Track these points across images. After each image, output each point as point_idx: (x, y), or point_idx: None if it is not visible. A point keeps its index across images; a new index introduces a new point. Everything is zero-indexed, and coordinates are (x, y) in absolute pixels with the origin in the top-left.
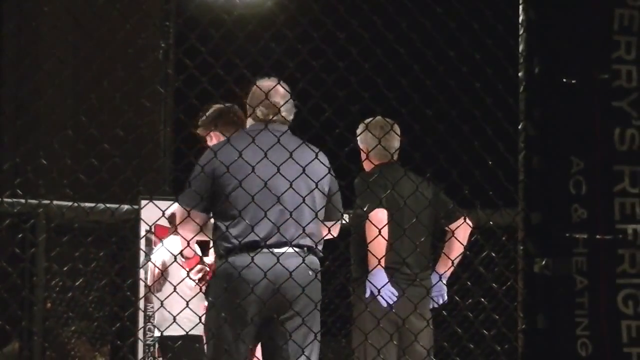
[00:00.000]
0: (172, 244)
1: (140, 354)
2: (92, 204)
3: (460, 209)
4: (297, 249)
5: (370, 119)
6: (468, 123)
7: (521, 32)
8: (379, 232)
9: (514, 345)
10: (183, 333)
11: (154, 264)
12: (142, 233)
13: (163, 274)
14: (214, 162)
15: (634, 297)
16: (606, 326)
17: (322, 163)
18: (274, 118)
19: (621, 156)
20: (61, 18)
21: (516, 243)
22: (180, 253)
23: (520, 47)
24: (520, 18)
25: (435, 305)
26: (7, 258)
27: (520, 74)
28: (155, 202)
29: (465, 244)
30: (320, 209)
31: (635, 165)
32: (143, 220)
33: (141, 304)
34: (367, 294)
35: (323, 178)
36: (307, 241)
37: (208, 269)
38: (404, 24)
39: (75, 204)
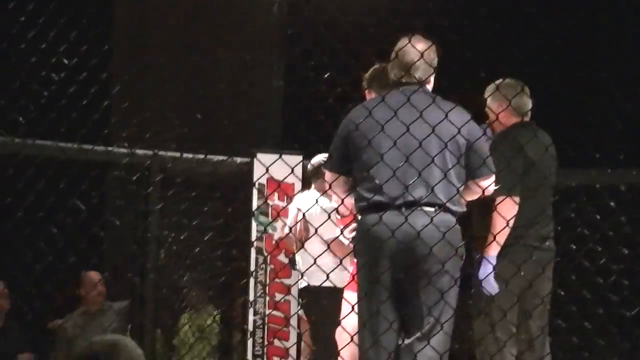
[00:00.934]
0: (311, 197)
1: (251, 313)
2: (202, 156)
3: None
4: (426, 208)
5: (500, 80)
6: (599, 86)
7: None
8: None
9: None
10: (329, 284)
11: (302, 214)
12: (256, 186)
13: (307, 225)
14: (349, 126)
15: None
16: None
17: (456, 119)
18: (407, 80)
19: None
20: None
21: None
22: (337, 210)
23: None
24: None
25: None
26: (118, 210)
27: None
28: (265, 156)
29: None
30: (453, 166)
31: None
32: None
33: (252, 257)
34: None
35: (456, 135)
36: (438, 200)
37: None
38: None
39: (186, 155)
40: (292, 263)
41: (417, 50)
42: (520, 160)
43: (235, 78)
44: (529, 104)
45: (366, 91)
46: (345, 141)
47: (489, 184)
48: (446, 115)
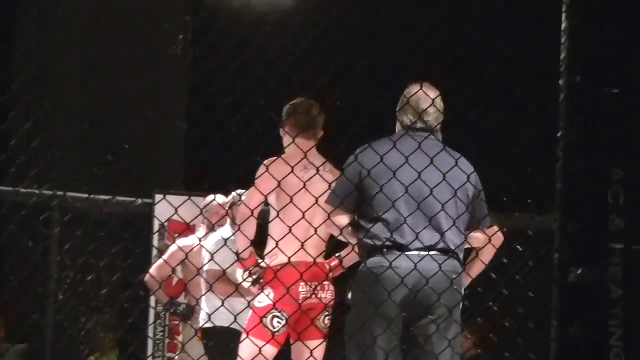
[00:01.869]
0: (210, 240)
1: (150, 350)
2: (107, 197)
3: None
4: (437, 254)
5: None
6: (509, 129)
7: (563, 40)
8: None
9: (547, 354)
10: (227, 325)
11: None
12: (155, 228)
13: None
14: (359, 167)
15: None
16: None
17: (465, 168)
18: (420, 125)
19: None
20: (79, 12)
21: (551, 250)
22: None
23: (562, 55)
24: (563, 25)
25: None
26: (20, 250)
27: (561, 82)
28: (169, 197)
29: None
30: (461, 214)
31: None
32: (156, 217)
33: (152, 301)
34: None
35: (465, 184)
36: (450, 246)
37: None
38: (448, 30)
39: (90, 196)
40: (173, 305)
41: (429, 97)
42: None
43: (143, 119)
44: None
45: (281, 129)
46: (354, 182)
47: (492, 233)
48: (456, 163)
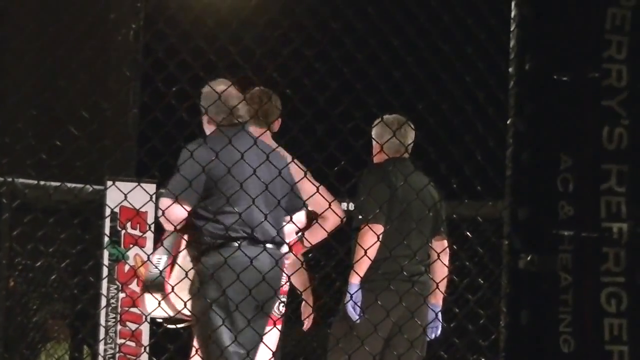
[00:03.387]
0: None
1: (102, 343)
2: (57, 183)
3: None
4: (273, 245)
5: (387, 115)
6: (458, 117)
7: (513, 27)
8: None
9: (497, 340)
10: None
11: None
12: (107, 214)
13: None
14: (205, 158)
15: (617, 295)
16: (589, 323)
17: (282, 161)
18: (240, 121)
19: (609, 155)
20: None
21: (501, 237)
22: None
23: (512, 43)
24: (513, 13)
25: (429, 339)
26: None
27: (510, 70)
28: (120, 184)
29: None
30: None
31: (622, 164)
32: (107, 205)
33: (103, 286)
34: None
35: (286, 176)
36: (277, 238)
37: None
38: (397, 16)
39: (40, 183)
40: None
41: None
42: (384, 191)
43: (94, 103)
44: (402, 141)
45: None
46: (199, 172)
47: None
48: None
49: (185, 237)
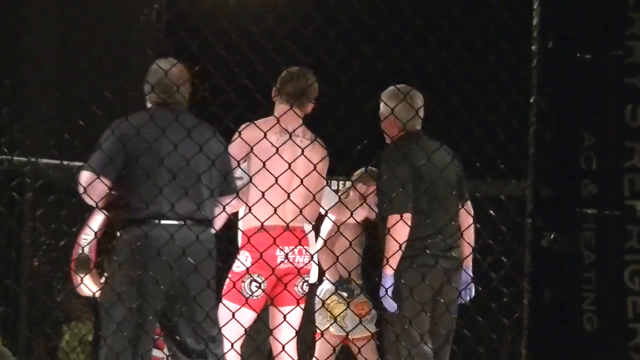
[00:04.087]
0: None
1: None
2: (80, 164)
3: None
4: (194, 223)
5: (393, 87)
6: (482, 95)
7: (535, 5)
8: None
9: (521, 318)
10: None
11: None
12: None
13: None
14: (126, 133)
15: None
16: (612, 301)
17: (219, 142)
18: (172, 100)
19: (632, 132)
20: None
21: (525, 216)
22: None
23: (535, 21)
24: None
25: (463, 301)
26: None
27: (533, 48)
28: None
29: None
30: (216, 187)
31: None
32: None
33: None
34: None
35: (220, 156)
36: (204, 216)
37: None
38: None
39: (64, 163)
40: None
41: (177, 72)
42: (407, 176)
43: (116, 84)
44: (413, 112)
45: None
46: (120, 148)
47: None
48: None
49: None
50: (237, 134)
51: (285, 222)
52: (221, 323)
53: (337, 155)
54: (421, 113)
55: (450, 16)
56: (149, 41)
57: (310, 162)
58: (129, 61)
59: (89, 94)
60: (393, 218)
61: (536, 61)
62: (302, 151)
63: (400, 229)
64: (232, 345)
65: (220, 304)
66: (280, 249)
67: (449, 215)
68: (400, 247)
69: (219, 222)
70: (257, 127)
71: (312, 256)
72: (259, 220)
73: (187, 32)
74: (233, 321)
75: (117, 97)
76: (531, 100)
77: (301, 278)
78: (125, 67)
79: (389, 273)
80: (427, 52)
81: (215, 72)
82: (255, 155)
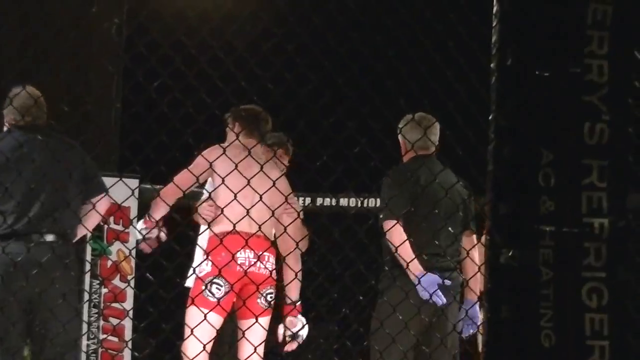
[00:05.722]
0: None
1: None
2: None
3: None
4: (48, 238)
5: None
6: (440, 112)
7: (495, 23)
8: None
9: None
10: None
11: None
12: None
13: None
14: None
15: (598, 290)
16: (570, 318)
17: (78, 152)
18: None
19: (590, 150)
20: None
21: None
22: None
23: (494, 38)
24: (495, 8)
25: (465, 335)
26: None
27: (492, 65)
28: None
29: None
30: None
31: (603, 160)
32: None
33: (86, 281)
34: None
35: (80, 165)
36: (59, 230)
37: None
38: (378, 9)
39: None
40: None
41: (30, 94)
42: (405, 187)
43: (76, 99)
44: (426, 138)
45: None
46: None
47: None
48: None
49: None
50: (200, 156)
51: (249, 230)
52: (188, 329)
53: (324, 172)
54: (433, 137)
55: (410, 32)
56: (109, 55)
57: (269, 177)
58: (89, 74)
59: (48, 106)
60: (387, 224)
61: (495, 78)
62: (262, 167)
63: (396, 234)
64: (204, 347)
65: (187, 310)
66: (244, 251)
67: (446, 236)
68: (396, 250)
69: (90, 221)
70: (220, 146)
71: (274, 267)
72: (232, 223)
73: (146, 47)
74: (200, 326)
75: (77, 110)
76: (490, 117)
77: (266, 288)
78: (85, 80)
79: (419, 276)
80: (388, 67)
81: (174, 86)
82: (216, 173)
